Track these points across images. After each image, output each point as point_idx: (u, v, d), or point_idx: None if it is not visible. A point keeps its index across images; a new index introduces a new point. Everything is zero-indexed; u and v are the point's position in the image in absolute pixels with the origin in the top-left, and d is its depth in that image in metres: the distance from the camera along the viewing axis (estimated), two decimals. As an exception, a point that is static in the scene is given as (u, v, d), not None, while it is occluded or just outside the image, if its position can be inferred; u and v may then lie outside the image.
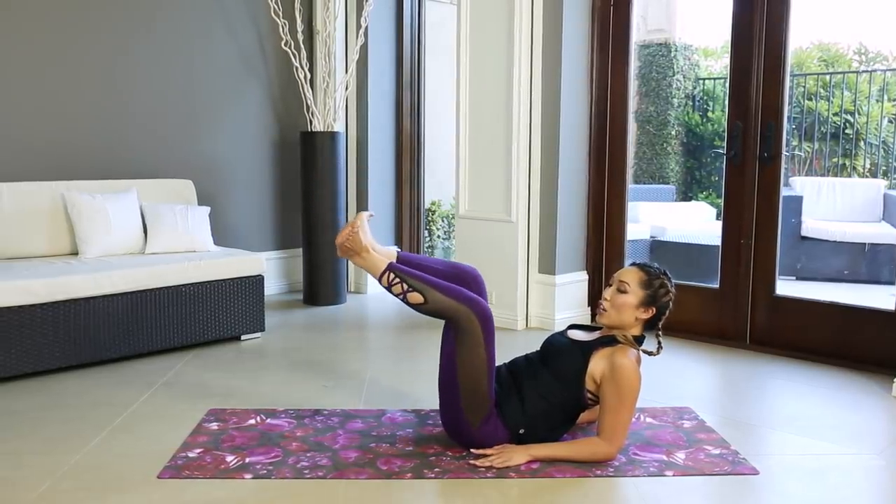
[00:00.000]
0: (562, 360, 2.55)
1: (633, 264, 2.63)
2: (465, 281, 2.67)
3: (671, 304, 2.59)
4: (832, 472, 2.49)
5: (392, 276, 2.51)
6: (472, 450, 2.52)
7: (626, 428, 2.50)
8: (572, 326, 2.75)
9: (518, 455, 2.46)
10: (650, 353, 2.57)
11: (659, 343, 2.61)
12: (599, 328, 2.67)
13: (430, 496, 2.31)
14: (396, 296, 2.52)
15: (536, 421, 2.52)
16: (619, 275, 2.60)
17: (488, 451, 2.49)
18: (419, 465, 2.48)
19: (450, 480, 2.38)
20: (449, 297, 2.46)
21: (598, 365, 2.49)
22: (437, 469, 2.45)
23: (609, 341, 2.54)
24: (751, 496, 2.33)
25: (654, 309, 2.56)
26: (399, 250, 2.75)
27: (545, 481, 2.37)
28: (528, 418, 2.51)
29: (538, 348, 2.72)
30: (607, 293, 2.58)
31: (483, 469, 2.43)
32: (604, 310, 2.57)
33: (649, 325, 2.59)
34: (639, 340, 2.57)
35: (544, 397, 2.52)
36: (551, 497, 2.28)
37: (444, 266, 2.73)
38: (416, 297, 2.48)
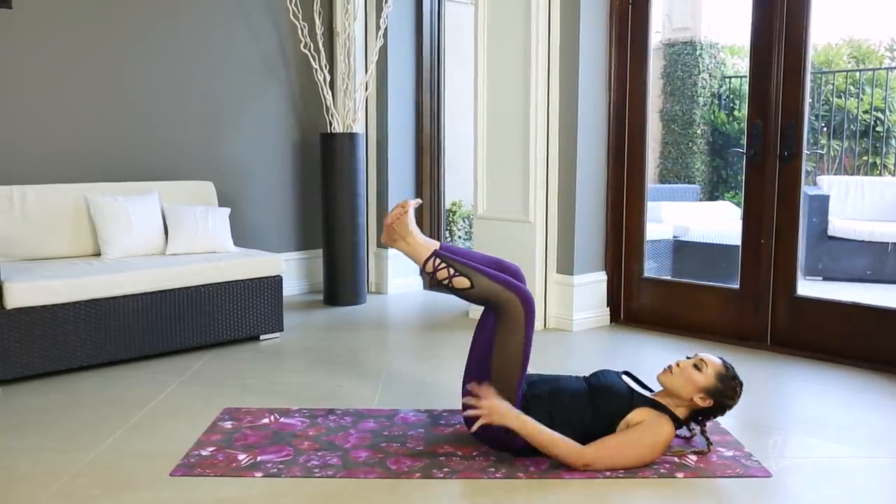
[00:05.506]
0: (612, 402, 2.50)
1: (721, 359, 2.56)
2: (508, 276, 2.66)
3: (727, 410, 2.53)
4: (847, 475, 2.45)
5: (438, 261, 2.53)
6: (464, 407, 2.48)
7: (614, 466, 2.42)
8: (626, 373, 2.70)
9: (503, 416, 2.40)
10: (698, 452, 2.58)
11: (707, 439, 2.57)
12: (650, 390, 2.64)
13: (437, 496, 2.31)
14: (441, 281, 2.51)
15: None
16: (703, 356, 2.54)
17: (482, 403, 2.41)
18: (428, 464, 2.48)
19: (458, 480, 2.38)
20: (496, 282, 2.47)
21: (639, 415, 2.46)
22: (446, 469, 2.45)
23: (660, 406, 2.50)
24: (761, 499, 2.30)
25: (712, 402, 2.49)
26: (441, 242, 2.76)
27: (553, 482, 2.37)
28: None
29: (587, 376, 2.67)
30: (682, 363, 2.53)
31: (491, 470, 2.43)
32: (671, 371, 2.51)
33: (695, 416, 2.55)
34: (678, 422, 2.51)
35: (574, 427, 2.48)
36: (558, 498, 2.28)
37: (487, 260, 2.72)
38: (462, 282, 2.49)
